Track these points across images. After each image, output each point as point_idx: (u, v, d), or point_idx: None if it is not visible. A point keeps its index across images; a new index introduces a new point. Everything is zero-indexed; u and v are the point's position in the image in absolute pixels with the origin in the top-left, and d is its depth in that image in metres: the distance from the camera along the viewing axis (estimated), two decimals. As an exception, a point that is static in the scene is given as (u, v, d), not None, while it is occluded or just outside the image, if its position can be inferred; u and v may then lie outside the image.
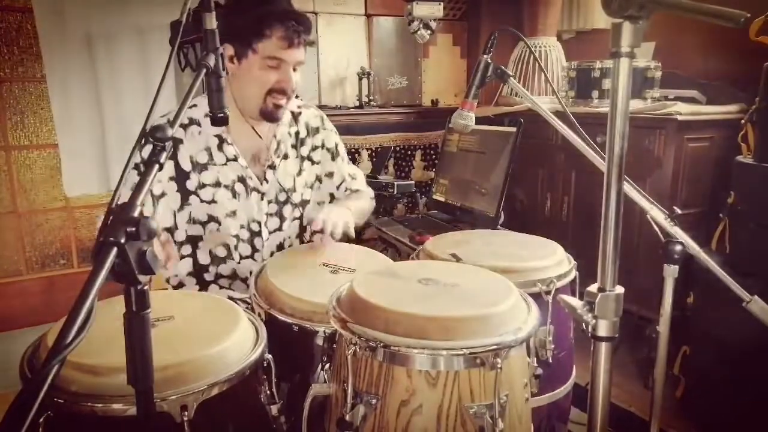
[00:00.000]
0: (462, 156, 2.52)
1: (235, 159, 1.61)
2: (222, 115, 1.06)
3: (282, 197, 1.68)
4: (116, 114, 3.11)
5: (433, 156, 3.42)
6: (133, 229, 0.66)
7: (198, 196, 1.58)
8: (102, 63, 3.04)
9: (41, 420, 0.85)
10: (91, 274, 0.63)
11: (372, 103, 3.28)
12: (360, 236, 2.68)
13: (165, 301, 1.20)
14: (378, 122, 3.24)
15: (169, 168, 1.55)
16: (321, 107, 2.21)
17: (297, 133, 1.73)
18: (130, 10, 3.05)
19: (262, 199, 1.65)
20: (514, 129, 2.21)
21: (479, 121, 1.64)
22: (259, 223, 1.65)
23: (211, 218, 1.60)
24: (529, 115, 2.09)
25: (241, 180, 1.62)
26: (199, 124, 1.58)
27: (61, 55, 2.94)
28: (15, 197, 3.07)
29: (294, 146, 1.72)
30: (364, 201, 1.84)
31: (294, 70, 1.56)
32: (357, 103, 3.27)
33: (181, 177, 1.57)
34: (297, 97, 1.74)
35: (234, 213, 1.61)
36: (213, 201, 1.59)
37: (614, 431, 1.87)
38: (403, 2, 2.31)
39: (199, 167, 1.58)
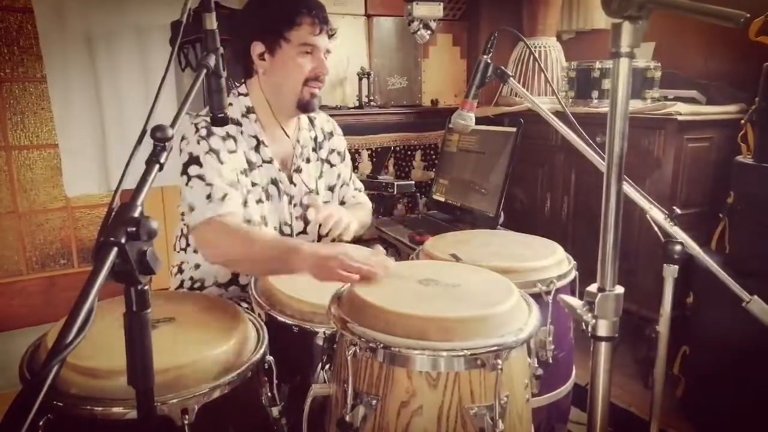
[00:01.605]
0: (462, 156, 2.52)
1: (270, 161, 1.59)
2: (222, 115, 1.06)
3: (306, 200, 1.68)
4: (116, 114, 3.11)
5: (433, 156, 3.42)
6: (134, 229, 0.66)
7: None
8: (102, 63, 3.04)
9: (41, 423, 0.85)
10: (92, 274, 0.63)
11: (372, 103, 3.27)
12: (360, 236, 2.68)
13: (166, 302, 1.19)
14: (378, 122, 3.24)
15: (241, 161, 1.52)
16: (321, 107, 2.22)
17: (315, 138, 1.75)
18: (131, 10, 3.05)
19: (290, 202, 1.65)
20: (513, 129, 2.21)
21: (479, 121, 1.64)
22: (290, 226, 1.65)
23: (247, 221, 1.51)
24: (529, 116, 2.09)
25: (274, 183, 1.61)
26: (239, 124, 1.56)
27: (62, 56, 2.94)
28: (15, 197, 3.07)
29: (314, 149, 1.73)
30: (366, 213, 1.84)
31: (325, 58, 1.57)
32: (357, 104, 3.26)
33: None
34: None
35: (265, 217, 1.58)
36: (260, 201, 1.57)
37: (614, 431, 1.88)
38: (403, 2, 2.30)
39: (250, 166, 1.55)
